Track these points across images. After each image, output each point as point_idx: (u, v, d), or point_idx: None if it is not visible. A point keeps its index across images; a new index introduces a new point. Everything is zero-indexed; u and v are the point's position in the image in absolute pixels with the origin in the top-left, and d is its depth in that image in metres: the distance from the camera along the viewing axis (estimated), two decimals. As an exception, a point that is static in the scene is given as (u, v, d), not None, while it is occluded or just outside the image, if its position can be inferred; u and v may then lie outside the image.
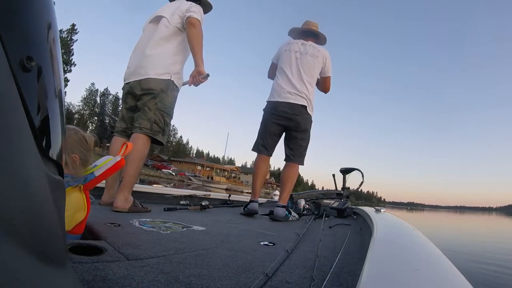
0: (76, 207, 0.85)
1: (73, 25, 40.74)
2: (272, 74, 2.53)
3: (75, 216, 0.85)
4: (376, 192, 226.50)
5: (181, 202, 2.26)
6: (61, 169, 0.32)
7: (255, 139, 2.41)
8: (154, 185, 2.72)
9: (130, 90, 1.81)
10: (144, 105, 1.75)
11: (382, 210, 1.84)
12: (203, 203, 2.09)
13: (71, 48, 40.09)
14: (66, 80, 39.71)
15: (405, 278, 0.50)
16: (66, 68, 39.21)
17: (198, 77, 1.86)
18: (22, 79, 0.24)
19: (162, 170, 41.05)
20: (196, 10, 1.84)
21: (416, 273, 0.52)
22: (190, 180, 35.85)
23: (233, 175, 58.85)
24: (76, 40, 41.04)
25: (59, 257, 0.29)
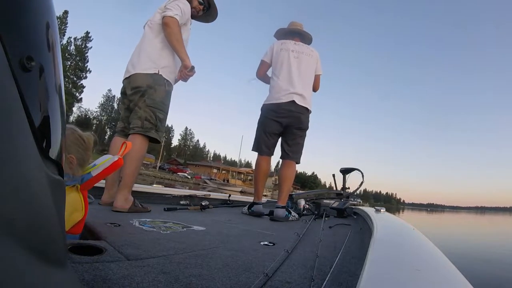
0: (73, 207, 0.85)
1: (87, 32, 41.80)
2: (262, 73, 2.51)
3: (72, 217, 0.84)
4: (395, 194, 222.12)
5: (181, 202, 2.25)
6: (61, 169, 0.32)
7: (254, 139, 2.41)
8: (154, 185, 2.72)
9: (123, 90, 1.84)
10: (134, 105, 1.76)
11: (382, 210, 1.84)
12: (203, 203, 2.09)
13: (86, 55, 41.07)
14: (82, 87, 40.87)
15: (405, 278, 0.50)
16: (81, 75, 40.28)
17: (185, 71, 1.88)
18: (22, 79, 0.24)
19: (178, 173, 41.35)
20: (172, 7, 1.78)
21: (416, 273, 0.52)
22: (206, 183, 35.87)
23: (249, 177, 58.46)
24: (91, 47, 42.06)
25: (59, 257, 0.29)
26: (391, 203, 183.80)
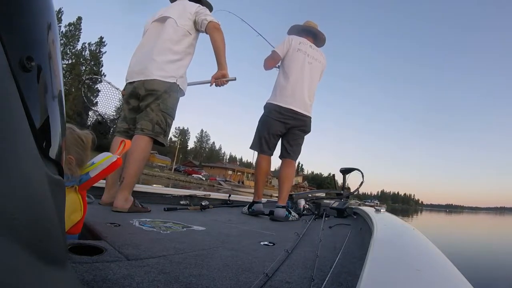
0: (72, 208, 0.85)
1: (101, 37, 42.57)
2: (272, 65, 2.44)
3: (71, 218, 0.84)
4: (414, 195, 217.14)
5: (181, 202, 2.25)
6: (61, 169, 0.32)
7: (254, 137, 2.41)
8: (154, 185, 2.72)
9: (134, 90, 1.80)
10: (146, 106, 1.75)
11: (382, 210, 1.84)
12: (203, 203, 2.09)
13: (100, 60, 41.88)
14: (97, 91, 41.28)
15: (405, 278, 0.50)
16: (96, 80, 41.11)
17: (223, 80, 1.92)
18: (22, 79, 0.24)
19: (193, 175, 41.70)
20: (209, 13, 1.88)
21: (417, 273, 0.52)
22: (220, 184, 36.02)
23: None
24: (105, 52, 42.74)
25: (59, 257, 0.29)
26: (409, 204, 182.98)
